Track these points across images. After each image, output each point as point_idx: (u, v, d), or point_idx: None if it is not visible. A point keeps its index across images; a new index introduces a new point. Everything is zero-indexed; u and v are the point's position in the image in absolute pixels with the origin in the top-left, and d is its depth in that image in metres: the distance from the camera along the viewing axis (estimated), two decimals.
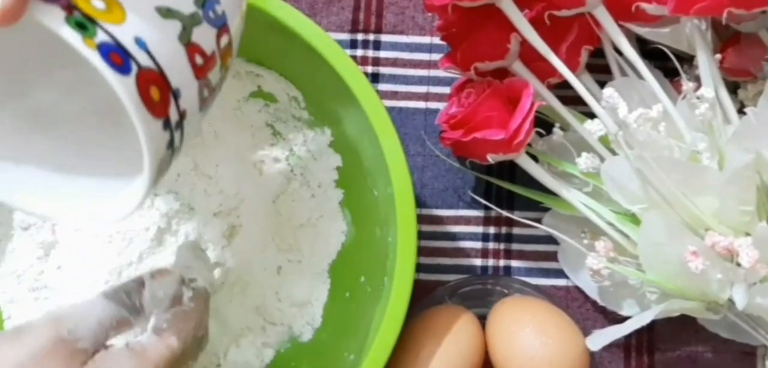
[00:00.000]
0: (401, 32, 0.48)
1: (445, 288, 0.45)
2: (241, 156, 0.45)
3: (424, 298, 0.45)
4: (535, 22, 0.41)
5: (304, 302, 0.45)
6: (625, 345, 0.48)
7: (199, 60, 0.29)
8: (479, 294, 0.46)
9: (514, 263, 0.48)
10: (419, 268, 0.48)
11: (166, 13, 0.28)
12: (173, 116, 0.28)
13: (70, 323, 0.31)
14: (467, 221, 0.48)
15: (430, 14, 0.48)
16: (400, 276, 0.38)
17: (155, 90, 0.27)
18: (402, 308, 0.38)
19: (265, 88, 0.46)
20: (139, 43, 0.27)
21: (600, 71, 0.44)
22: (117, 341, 0.33)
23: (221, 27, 0.30)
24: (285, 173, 0.46)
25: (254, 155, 0.46)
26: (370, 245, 0.43)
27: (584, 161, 0.41)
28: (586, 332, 0.42)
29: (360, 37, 0.48)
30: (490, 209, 0.48)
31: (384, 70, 0.48)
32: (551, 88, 0.43)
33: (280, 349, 0.45)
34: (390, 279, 0.39)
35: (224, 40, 0.31)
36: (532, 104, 0.40)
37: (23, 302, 0.44)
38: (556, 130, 0.43)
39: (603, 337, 0.41)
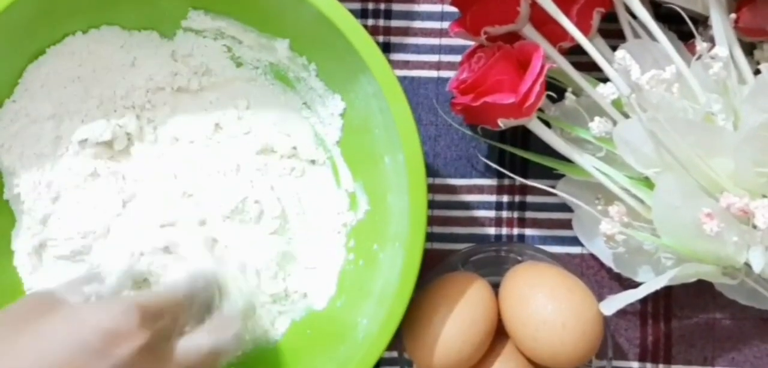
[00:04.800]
0: (412, 0, 0.48)
1: (459, 255, 0.45)
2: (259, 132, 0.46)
3: (438, 266, 0.45)
4: None
5: (318, 271, 0.46)
6: (641, 311, 0.47)
7: None
8: (493, 261, 0.46)
9: (528, 232, 0.48)
10: (433, 237, 0.48)
11: None
12: None
13: (144, 299, 0.35)
14: (480, 189, 0.48)
15: None
16: (411, 242, 0.39)
17: None
18: (413, 273, 0.39)
19: (276, 58, 0.46)
20: None
21: (612, 36, 0.44)
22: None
23: None
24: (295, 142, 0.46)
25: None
26: (382, 213, 0.43)
27: (597, 126, 0.41)
28: (601, 300, 0.42)
29: (371, 6, 0.48)
30: (504, 177, 0.47)
31: (395, 39, 0.48)
32: (563, 52, 0.43)
33: (295, 317, 0.45)
34: (402, 245, 0.40)
35: None
36: (543, 66, 0.40)
37: None
38: (569, 95, 0.43)
39: (617, 302, 0.41)
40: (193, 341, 0.37)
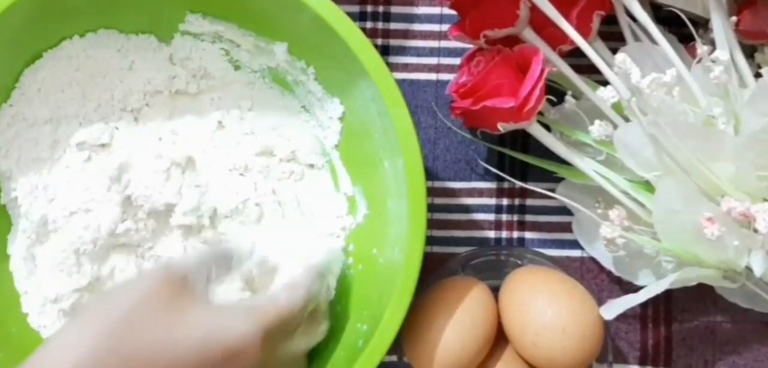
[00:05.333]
0: (411, 3, 0.48)
1: (458, 259, 0.45)
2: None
3: (437, 270, 0.45)
4: None
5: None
6: (641, 315, 0.47)
7: None
8: (492, 265, 0.46)
9: (528, 235, 0.48)
10: (433, 241, 0.47)
11: None
12: None
13: (178, 268, 0.36)
14: (480, 193, 0.48)
15: None
16: (411, 246, 0.39)
17: None
18: (413, 278, 0.38)
19: (274, 62, 0.46)
20: None
21: (612, 39, 0.43)
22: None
23: None
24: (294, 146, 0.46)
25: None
26: (382, 217, 0.43)
27: (597, 129, 0.40)
28: (601, 304, 0.42)
29: (369, 8, 0.48)
30: (503, 180, 0.47)
31: (394, 42, 0.48)
32: (563, 56, 0.43)
33: None
34: (402, 250, 0.39)
35: None
36: (543, 70, 0.40)
37: None
38: (568, 98, 0.43)
39: (617, 306, 0.41)
40: (295, 344, 0.39)
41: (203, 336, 0.33)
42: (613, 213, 0.41)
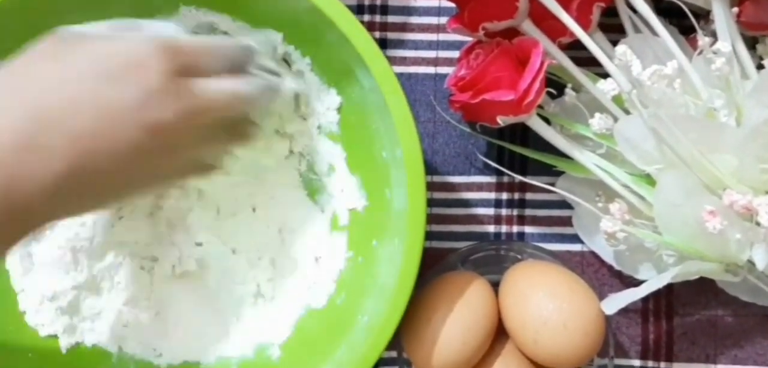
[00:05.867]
0: None
1: (458, 254, 0.45)
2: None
3: (437, 265, 0.44)
4: None
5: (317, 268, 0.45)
6: (642, 309, 0.47)
7: None
8: (492, 259, 0.45)
9: (528, 229, 0.47)
10: (432, 236, 0.47)
11: None
12: None
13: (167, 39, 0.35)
14: (479, 187, 0.47)
15: None
16: (411, 236, 0.38)
17: None
18: (414, 267, 0.38)
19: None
20: None
21: (613, 31, 0.43)
22: None
23: None
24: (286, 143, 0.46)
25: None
26: (381, 209, 0.43)
27: (598, 122, 0.40)
28: (602, 298, 0.42)
29: (367, 1, 0.48)
30: (503, 174, 0.47)
31: (392, 35, 0.48)
32: (563, 48, 0.42)
33: (294, 316, 0.45)
34: (401, 241, 0.39)
35: None
36: (543, 63, 0.39)
37: None
38: (569, 91, 0.42)
39: (618, 301, 0.40)
40: (215, 81, 0.36)
41: (95, 53, 0.33)
42: (614, 207, 0.40)
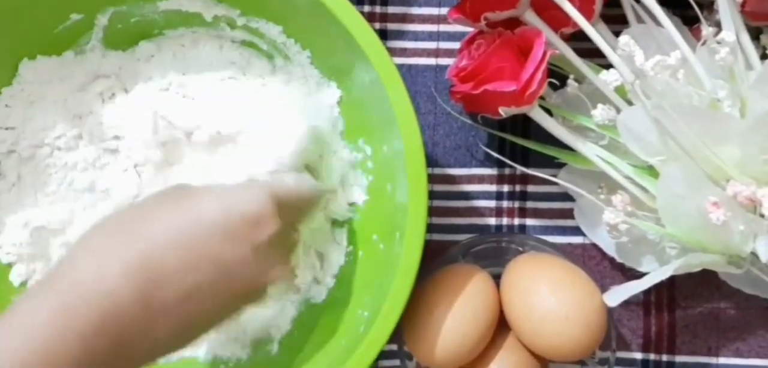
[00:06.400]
0: None
1: (459, 246, 0.44)
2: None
3: (438, 258, 0.44)
4: None
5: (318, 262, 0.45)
6: (644, 302, 0.47)
7: None
8: (493, 252, 0.45)
9: (529, 222, 0.47)
10: (433, 229, 0.47)
11: None
12: None
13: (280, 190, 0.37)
14: (480, 179, 0.47)
15: None
16: (412, 229, 0.38)
17: None
18: (415, 261, 0.38)
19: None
20: None
21: (616, 21, 0.43)
22: None
23: None
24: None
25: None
26: (381, 203, 0.43)
27: (600, 113, 0.40)
28: (604, 290, 0.41)
29: None
30: (504, 166, 0.47)
31: (392, 26, 0.47)
32: (565, 38, 0.42)
33: (295, 311, 0.45)
34: (402, 234, 0.39)
35: None
36: (545, 53, 0.39)
37: None
38: (571, 82, 0.42)
39: (620, 293, 0.40)
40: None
41: (222, 207, 0.34)
42: (617, 199, 0.40)
